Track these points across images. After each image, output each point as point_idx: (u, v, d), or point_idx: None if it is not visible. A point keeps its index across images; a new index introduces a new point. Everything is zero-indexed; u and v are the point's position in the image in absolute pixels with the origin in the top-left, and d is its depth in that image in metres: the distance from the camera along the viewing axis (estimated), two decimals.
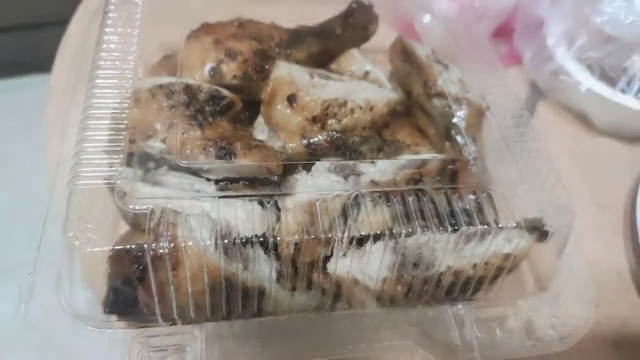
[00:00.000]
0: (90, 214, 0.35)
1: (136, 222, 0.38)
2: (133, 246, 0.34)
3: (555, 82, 0.67)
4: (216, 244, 0.36)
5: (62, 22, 0.70)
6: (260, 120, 0.50)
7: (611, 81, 0.64)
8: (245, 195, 0.41)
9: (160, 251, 0.34)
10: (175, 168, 0.44)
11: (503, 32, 0.74)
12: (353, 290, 0.42)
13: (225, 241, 0.37)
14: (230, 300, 0.38)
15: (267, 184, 0.44)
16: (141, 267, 0.34)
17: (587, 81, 0.64)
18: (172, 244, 0.34)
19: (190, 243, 0.35)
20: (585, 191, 0.60)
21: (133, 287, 0.35)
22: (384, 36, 0.62)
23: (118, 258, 0.35)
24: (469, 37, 0.56)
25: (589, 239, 0.55)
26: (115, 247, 0.35)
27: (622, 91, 0.63)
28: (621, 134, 0.66)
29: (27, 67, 1.47)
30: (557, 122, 0.68)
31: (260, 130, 0.50)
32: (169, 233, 0.35)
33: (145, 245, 0.34)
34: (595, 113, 0.65)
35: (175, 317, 0.37)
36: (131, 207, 0.37)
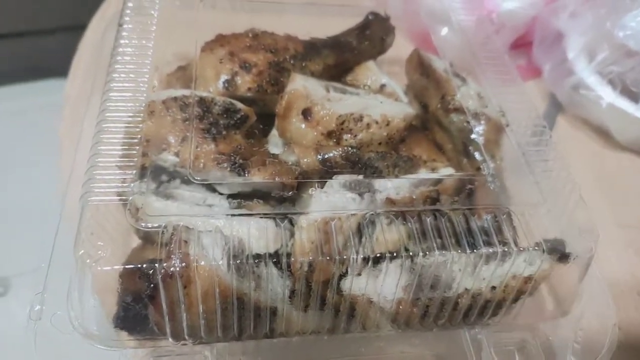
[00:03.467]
0: (102, 230, 0.35)
1: (148, 237, 0.38)
2: (144, 264, 0.34)
3: (575, 96, 0.66)
4: (228, 262, 0.35)
5: (76, 28, 0.71)
6: (274, 133, 0.50)
7: (633, 96, 0.63)
8: (258, 214, 0.40)
9: (172, 269, 0.33)
10: (188, 182, 0.43)
11: (522, 44, 0.73)
12: (367, 311, 0.41)
13: (238, 260, 0.36)
14: (242, 320, 0.37)
15: (281, 199, 0.43)
16: (152, 285, 0.34)
17: (609, 96, 0.63)
18: (183, 263, 0.34)
19: (202, 262, 0.34)
20: (605, 208, 0.59)
21: (144, 305, 0.35)
22: (400, 48, 0.61)
23: (129, 275, 0.34)
24: (486, 49, 0.55)
25: (608, 258, 0.54)
26: (126, 266, 0.34)
27: None
28: None
29: (41, 71, 1.48)
30: (577, 137, 0.67)
31: (274, 144, 0.49)
32: (180, 251, 0.34)
33: (157, 264, 0.33)
34: (617, 128, 0.64)
35: (186, 336, 0.36)
36: (143, 224, 0.36)
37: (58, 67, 0.67)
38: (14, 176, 1.37)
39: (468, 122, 0.49)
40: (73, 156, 0.45)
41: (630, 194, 0.61)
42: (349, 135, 0.46)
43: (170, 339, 0.36)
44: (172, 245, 0.34)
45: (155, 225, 0.36)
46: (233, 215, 0.40)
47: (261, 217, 0.41)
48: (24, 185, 1.34)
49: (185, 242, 0.35)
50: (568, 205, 0.41)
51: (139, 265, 0.34)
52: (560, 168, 0.43)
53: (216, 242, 0.36)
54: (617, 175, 0.63)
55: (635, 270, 0.54)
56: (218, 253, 0.35)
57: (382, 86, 0.55)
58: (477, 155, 0.49)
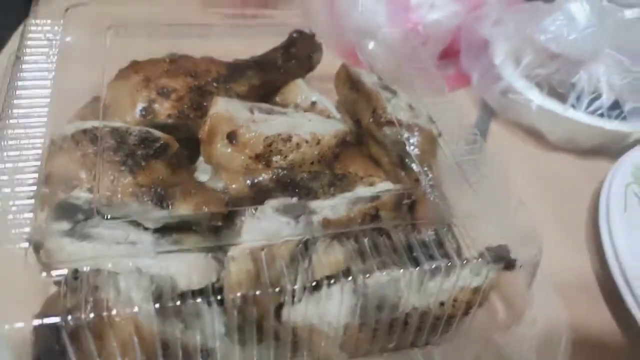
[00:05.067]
0: (8, 281, 0.31)
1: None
2: (50, 318, 0.29)
3: (505, 100, 0.66)
4: (154, 303, 0.31)
5: None
6: (202, 159, 0.47)
7: (561, 97, 0.64)
8: (185, 250, 0.36)
9: (79, 322, 0.29)
10: (107, 219, 0.39)
11: (449, 54, 0.73)
12: (311, 338, 0.38)
13: (163, 301, 0.32)
14: None
15: (210, 229, 0.40)
16: (61, 342, 0.30)
17: (537, 98, 0.63)
18: (92, 313, 0.30)
19: (117, 309, 0.30)
20: (545, 208, 0.58)
21: None
22: (330, 64, 0.59)
23: (40, 330, 0.30)
24: (413, 61, 0.54)
25: (553, 257, 0.53)
26: (33, 321, 0.30)
27: (573, 106, 0.62)
28: (576, 149, 0.65)
29: None
30: (511, 140, 0.67)
31: (203, 171, 0.46)
32: (91, 299, 0.30)
33: (59, 320, 0.29)
34: (548, 129, 0.64)
35: None
36: (53, 272, 0.32)
37: None
38: None
39: (401, 135, 0.48)
40: None
41: (566, 192, 0.61)
42: (279, 157, 0.43)
43: None
44: (81, 294, 0.30)
45: (61, 273, 0.32)
46: (158, 252, 0.36)
47: (189, 252, 0.37)
48: None
49: (96, 287, 0.31)
50: (508, 212, 0.40)
51: (42, 321, 0.29)
52: (497, 175, 0.42)
53: (136, 284, 0.32)
54: (552, 174, 0.63)
55: (581, 266, 0.53)
56: (139, 296, 0.32)
57: (313, 103, 0.53)
58: (414, 167, 0.48)
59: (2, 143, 0.39)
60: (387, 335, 0.38)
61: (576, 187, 0.61)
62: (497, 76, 0.67)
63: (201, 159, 0.47)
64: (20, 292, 0.34)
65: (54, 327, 0.29)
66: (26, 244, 0.34)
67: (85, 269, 0.32)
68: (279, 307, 0.37)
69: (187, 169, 0.46)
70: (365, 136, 0.51)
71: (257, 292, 0.34)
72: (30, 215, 0.36)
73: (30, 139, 0.40)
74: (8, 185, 0.37)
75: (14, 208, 0.36)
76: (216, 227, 0.41)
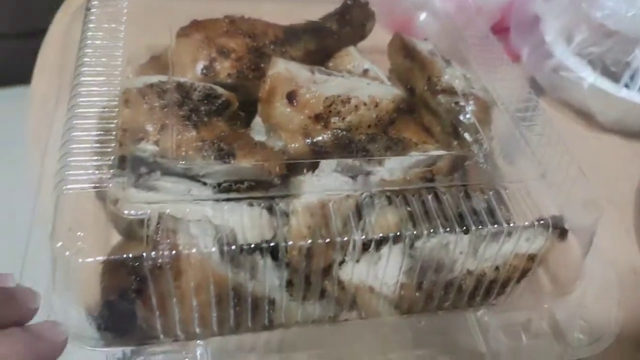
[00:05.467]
0: (80, 221, 0.32)
1: (130, 231, 0.35)
2: (130, 256, 0.31)
3: (555, 78, 0.65)
4: (221, 252, 0.32)
5: (32, 34, 0.66)
6: (257, 121, 0.47)
7: (613, 76, 0.63)
8: (248, 198, 0.37)
9: (160, 260, 0.31)
10: (170, 172, 0.40)
11: (499, 30, 0.72)
12: (369, 298, 0.39)
13: (232, 248, 0.33)
14: (239, 313, 0.34)
15: (269, 187, 0.41)
16: (139, 279, 0.31)
17: (590, 77, 0.62)
18: (173, 253, 0.31)
19: (193, 250, 0.31)
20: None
21: (130, 301, 0.32)
22: (378, 36, 0.59)
23: (113, 269, 0.32)
24: (471, 30, 0.54)
25: (600, 237, 0.53)
26: (111, 257, 0.31)
27: (626, 86, 0.61)
28: (625, 130, 0.64)
29: (8, 78, 1.40)
30: (558, 120, 0.66)
31: (257, 132, 0.47)
32: (168, 241, 0.31)
33: (144, 254, 0.30)
34: (599, 109, 0.63)
35: (178, 332, 0.33)
36: (126, 212, 0.33)
37: (27, 74, 0.62)
38: None
39: (457, 103, 0.48)
40: (42, 157, 0.42)
41: (615, 173, 0.60)
42: (337, 118, 0.44)
43: (161, 337, 0.33)
44: (159, 235, 0.31)
45: (139, 213, 0.33)
46: (222, 200, 0.37)
47: (252, 206, 0.38)
48: None
49: (173, 231, 0.32)
50: (568, 179, 0.40)
51: (124, 257, 0.31)
52: (556, 142, 0.42)
53: (206, 231, 0.33)
54: (599, 155, 0.62)
55: (629, 247, 0.53)
56: (209, 242, 0.33)
57: (365, 71, 0.53)
58: (467, 135, 0.48)
59: (73, 95, 0.40)
60: (441, 296, 0.39)
61: (622, 169, 0.61)
62: (548, 53, 0.66)
63: (256, 120, 0.48)
64: (87, 232, 0.35)
65: (131, 266, 0.30)
66: (93, 187, 0.36)
67: (166, 211, 0.33)
68: (335, 264, 0.38)
69: (245, 128, 0.47)
70: (418, 105, 0.51)
71: (323, 243, 0.34)
72: (99, 164, 0.37)
73: (99, 93, 0.41)
74: (78, 137, 0.38)
75: (83, 158, 0.37)
76: (274, 184, 0.41)
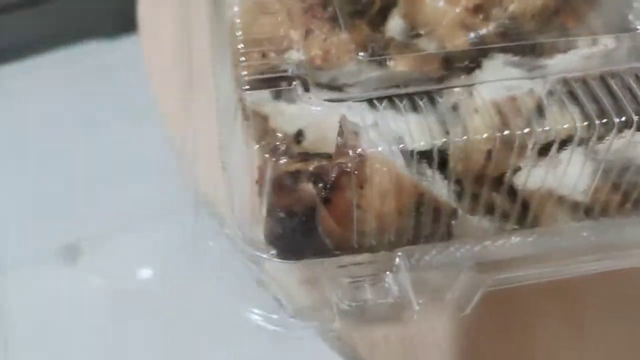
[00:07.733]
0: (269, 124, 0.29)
1: None
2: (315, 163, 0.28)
3: None
4: (403, 157, 0.29)
5: None
6: (394, 22, 0.42)
7: None
8: (412, 100, 0.33)
9: (346, 166, 0.27)
10: (315, 85, 0.37)
11: None
12: (547, 204, 0.35)
13: (410, 155, 0.30)
14: (425, 221, 0.31)
15: (428, 93, 0.37)
16: (327, 186, 0.28)
17: None
18: (359, 157, 0.28)
19: (380, 151, 0.28)
20: None
21: (309, 216, 0.29)
22: None
23: (288, 182, 0.29)
24: None
25: None
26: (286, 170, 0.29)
27: None
28: None
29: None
30: None
31: (395, 33, 0.42)
32: (353, 144, 0.28)
33: (327, 162, 0.27)
34: None
35: (373, 242, 0.31)
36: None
37: None
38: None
39: None
40: None
41: None
42: (498, 9, 0.38)
43: (345, 250, 0.30)
44: (341, 138, 0.28)
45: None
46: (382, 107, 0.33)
47: (411, 113, 0.34)
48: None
49: (356, 133, 0.29)
50: None
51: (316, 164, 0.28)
52: None
53: (382, 134, 0.30)
54: None
55: None
56: (387, 147, 0.29)
57: None
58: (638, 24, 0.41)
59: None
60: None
61: None
62: None
63: (393, 21, 0.43)
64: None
65: (316, 174, 0.28)
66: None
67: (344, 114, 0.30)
68: (509, 171, 0.34)
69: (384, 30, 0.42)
70: None
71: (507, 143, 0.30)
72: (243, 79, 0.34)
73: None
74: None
75: (223, 71, 0.35)
76: (434, 90, 0.37)
